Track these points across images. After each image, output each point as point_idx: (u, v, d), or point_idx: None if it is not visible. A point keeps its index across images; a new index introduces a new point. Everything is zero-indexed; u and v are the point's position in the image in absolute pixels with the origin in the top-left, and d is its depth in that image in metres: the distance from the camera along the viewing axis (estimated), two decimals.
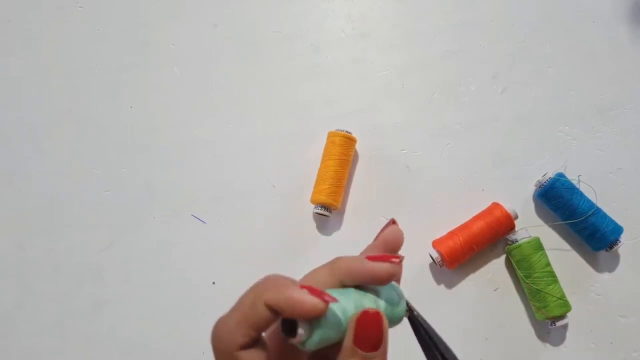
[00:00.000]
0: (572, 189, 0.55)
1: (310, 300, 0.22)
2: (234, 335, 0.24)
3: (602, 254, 0.56)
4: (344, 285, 0.25)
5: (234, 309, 0.25)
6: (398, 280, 0.28)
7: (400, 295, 0.26)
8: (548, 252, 0.54)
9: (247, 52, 0.66)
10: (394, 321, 0.25)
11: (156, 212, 0.60)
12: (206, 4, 0.69)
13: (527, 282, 0.52)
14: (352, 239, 0.58)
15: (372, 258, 0.25)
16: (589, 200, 0.55)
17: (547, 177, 0.55)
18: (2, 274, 0.58)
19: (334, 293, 0.24)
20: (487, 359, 0.53)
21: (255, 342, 0.24)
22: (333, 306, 0.23)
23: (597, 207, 0.54)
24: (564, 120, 0.62)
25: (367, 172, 0.61)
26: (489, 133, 0.62)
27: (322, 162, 0.58)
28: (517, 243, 0.53)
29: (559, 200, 0.55)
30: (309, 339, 0.22)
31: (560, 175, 0.55)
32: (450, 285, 0.56)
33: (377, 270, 0.24)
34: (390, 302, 0.25)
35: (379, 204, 0.59)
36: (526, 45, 0.65)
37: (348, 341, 0.23)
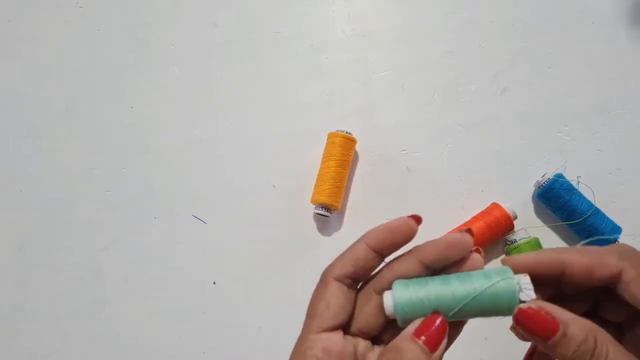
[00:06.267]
0: (571, 190, 0.55)
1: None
2: (335, 266, 0.29)
3: None
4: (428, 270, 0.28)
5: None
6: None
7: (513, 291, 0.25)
8: None
9: (247, 52, 0.66)
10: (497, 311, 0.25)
11: (156, 212, 0.60)
12: (206, 4, 0.69)
13: None
14: (353, 239, 0.58)
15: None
16: (587, 201, 0.55)
17: (546, 178, 0.55)
18: (2, 274, 0.58)
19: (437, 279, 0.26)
20: (487, 359, 0.53)
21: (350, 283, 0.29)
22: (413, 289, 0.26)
23: (595, 207, 0.54)
24: (563, 120, 0.62)
25: (367, 173, 0.61)
26: (489, 133, 0.62)
27: (322, 163, 0.58)
28: (516, 243, 0.53)
29: (558, 201, 0.55)
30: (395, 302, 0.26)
31: (559, 176, 0.55)
32: None
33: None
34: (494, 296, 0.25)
35: (379, 204, 0.59)
36: (526, 45, 0.65)
37: (410, 329, 0.26)
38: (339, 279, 0.29)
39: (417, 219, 0.30)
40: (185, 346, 0.55)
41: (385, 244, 0.30)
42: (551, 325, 0.24)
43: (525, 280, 0.25)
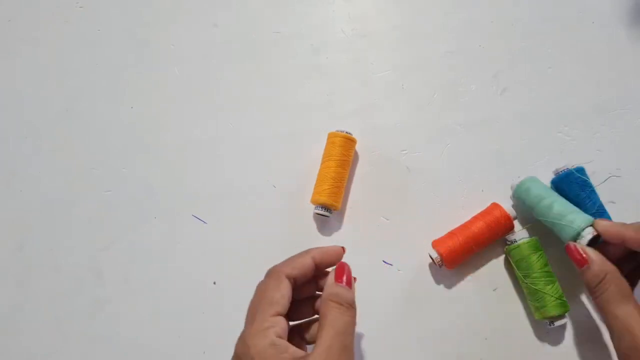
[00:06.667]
0: (585, 185, 0.54)
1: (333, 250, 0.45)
2: (286, 267, 0.41)
3: None
4: None
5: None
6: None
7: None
8: (547, 253, 0.54)
9: (247, 52, 0.66)
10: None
11: (156, 212, 0.60)
12: (206, 4, 0.69)
13: (526, 282, 0.52)
14: (352, 239, 0.58)
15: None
16: (593, 203, 0.54)
17: (564, 168, 0.54)
18: (2, 274, 0.58)
19: None
20: (487, 359, 0.53)
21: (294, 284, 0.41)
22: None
23: (599, 206, 0.54)
24: (563, 120, 0.62)
25: (367, 173, 0.61)
26: (489, 133, 0.62)
27: (322, 163, 0.58)
28: (516, 243, 0.53)
29: (567, 193, 0.54)
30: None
31: (579, 169, 0.54)
32: (449, 285, 0.56)
33: None
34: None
35: (379, 204, 0.59)
36: (526, 45, 0.65)
37: (330, 279, 0.41)
38: (289, 278, 0.39)
39: (344, 250, 0.45)
40: (185, 346, 0.55)
41: (324, 261, 0.43)
42: (582, 260, 0.43)
43: (588, 230, 0.46)
